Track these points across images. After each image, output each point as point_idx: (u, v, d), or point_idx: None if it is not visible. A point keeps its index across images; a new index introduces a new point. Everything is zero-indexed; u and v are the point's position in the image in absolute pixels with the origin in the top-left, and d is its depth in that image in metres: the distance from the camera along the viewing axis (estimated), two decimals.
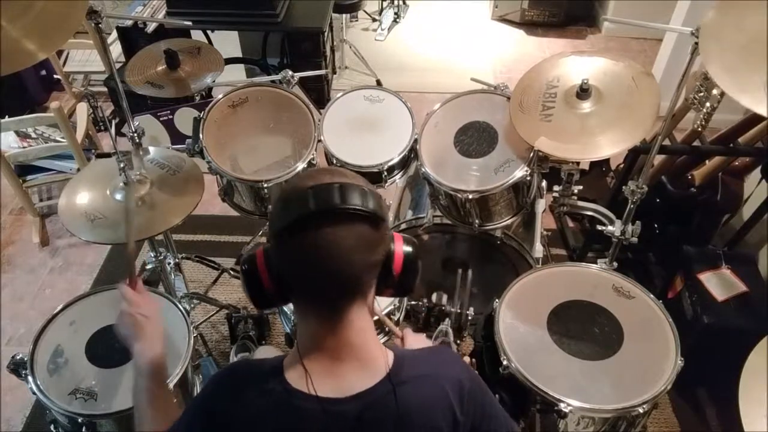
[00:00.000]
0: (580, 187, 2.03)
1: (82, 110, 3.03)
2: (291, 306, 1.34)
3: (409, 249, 0.94)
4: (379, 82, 3.80)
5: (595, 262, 1.82)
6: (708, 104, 2.07)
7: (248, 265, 0.93)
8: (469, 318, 1.91)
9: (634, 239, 1.90)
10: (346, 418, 0.88)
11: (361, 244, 0.85)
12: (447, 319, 1.92)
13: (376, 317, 1.35)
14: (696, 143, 2.34)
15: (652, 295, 1.60)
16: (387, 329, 1.74)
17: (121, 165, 1.66)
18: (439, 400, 0.92)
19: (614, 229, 1.92)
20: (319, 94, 3.46)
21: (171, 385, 1.42)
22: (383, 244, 0.90)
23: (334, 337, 0.89)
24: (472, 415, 0.94)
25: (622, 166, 2.66)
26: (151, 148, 1.90)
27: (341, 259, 0.84)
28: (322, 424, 0.88)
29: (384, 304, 1.71)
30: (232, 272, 2.63)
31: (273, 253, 0.91)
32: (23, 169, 2.85)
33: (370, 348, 0.92)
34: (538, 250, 1.95)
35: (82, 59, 3.54)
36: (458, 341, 1.93)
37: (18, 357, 1.49)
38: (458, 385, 0.94)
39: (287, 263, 0.88)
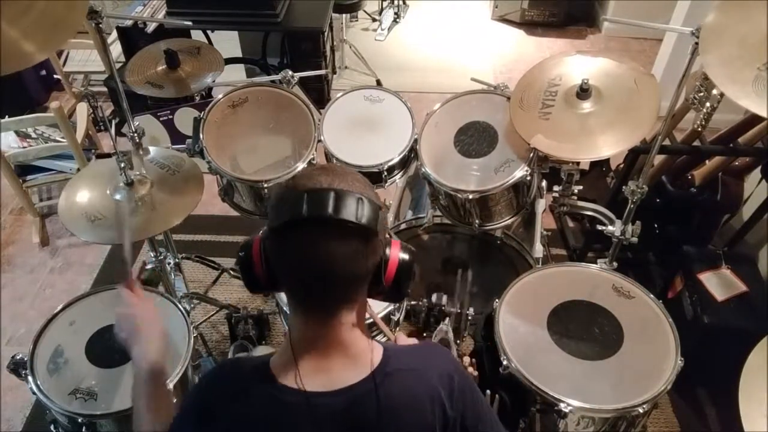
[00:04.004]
0: (580, 187, 2.03)
1: (82, 110, 3.03)
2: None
3: (403, 258, 0.92)
4: (379, 82, 3.80)
5: (595, 262, 1.82)
6: (708, 104, 2.07)
7: (245, 248, 0.94)
8: (469, 318, 1.92)
9: (634, 239, 1.90)
10: (332, 412, 0.88)
11: (349, 256, 0.84)
12: (447, 319, 1.92)
13: (370, 319, 1.36)
14: (696, 143, 2.34)
15: (652, 295, 1.60)
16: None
17: (122, 165, 1.66)
18: (428, 394, 0.91)
19: (614, 229, 1.92)
20: (319, 94, 3.46)
21: (171, 385, 1.42)
22: (373, 256, 0.88)
23: (323, 332, 0.89)
24: (462, 411, 0.93)
25: (622, 166, 2.66)
26: (151, 148, 1.90)
27: (327, 267, 0.83)
28: (308, 418, 0.88)
29: (384, 304, 1.71)
30: (232, 272, 2.63)
31: (267, 244, 0.91)
32: (23, 169, 2.85)
33: (359, 344, 0.91)
34: (538, 250, 1.95)
35: (82, 59, 3.55)
36: (458, 341, 1.94)
37: (18, 357, 1.49)
38: (448, 379, 0.93)
39: (276, 257, 0.89)
